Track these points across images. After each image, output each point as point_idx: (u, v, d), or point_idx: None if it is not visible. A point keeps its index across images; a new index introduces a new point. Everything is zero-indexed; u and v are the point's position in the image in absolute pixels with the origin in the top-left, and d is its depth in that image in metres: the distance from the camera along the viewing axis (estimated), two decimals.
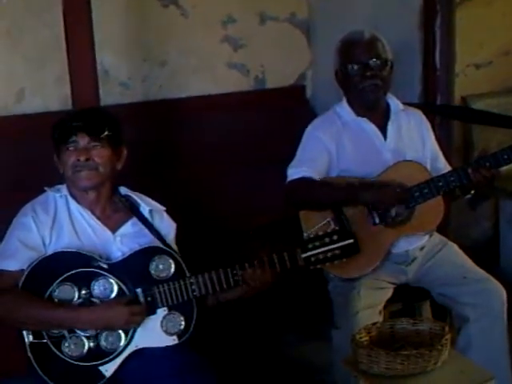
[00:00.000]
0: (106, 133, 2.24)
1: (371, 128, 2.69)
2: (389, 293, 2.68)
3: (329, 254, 2.25)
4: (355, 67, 2.63)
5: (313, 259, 2.24)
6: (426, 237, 2.73)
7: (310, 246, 2.24)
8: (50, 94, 3.34)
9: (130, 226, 2.30)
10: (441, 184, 2.57)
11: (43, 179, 2.32)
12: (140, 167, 3.17)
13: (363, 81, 2.62)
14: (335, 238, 2.25)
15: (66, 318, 2.08)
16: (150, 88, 3.61)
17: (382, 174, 2.62)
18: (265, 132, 3.62)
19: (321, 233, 2.26)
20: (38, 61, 3.32)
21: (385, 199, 2.54)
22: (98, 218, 2.27)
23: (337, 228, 2.28)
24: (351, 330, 2.32)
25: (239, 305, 2.35)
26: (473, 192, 2.67)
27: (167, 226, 2.37)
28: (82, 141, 2.22)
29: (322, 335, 2.76)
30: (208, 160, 3.50)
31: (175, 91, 3.65)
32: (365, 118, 2.69)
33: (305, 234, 2.52)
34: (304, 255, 2.24)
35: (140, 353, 2.17)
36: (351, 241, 2.25)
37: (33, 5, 3.28)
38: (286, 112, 3.81)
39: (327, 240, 2.24)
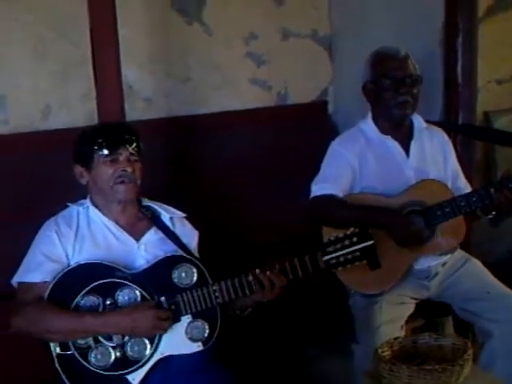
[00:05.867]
0: (142, 148, 2.32)
1: (395, 146, 2.71)
2: (411, 308, 2.68)
3: (349, 256, 2.24)
4: (389, 82, 2.63)
5: (333, 262, 2.24)
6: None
7: (331, 248, 2.25)
8: (75, 109, 3.37)
9: (154, 234, 2.33)
10: (463, 204, 2.57)
11: (68, 193, 2.36)
12: (163, 182, 3.20)
13: (396, 96, 2.62)
14: (355, 239, 2.24)
15: (94, 323, 2.10)
16: (173, 104, 3.63)
17: (405, 192, 2.63)
18: (287, 147, 3.63)
19: (341, 235, 2.25)
20: (63, 77, 3.36)
21: (402, 232, 2.54)
22: (123, 228, 2.30)
23: (356, 230, 2.26)
24: (372, 345, 2.32)
25: (261, 318, 2.36)
26: (494, 213, 2.62)
27: (189, 233, 2.40)
28: (125, 153, 2.27)
29: (343, 349, 2.76)
30: (230, 175, 3.51)
31: (198, 107, 3.66)
32: (389, 136, 2.71)
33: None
34: (325, 258, 2.24)
35: (166, 361, 2.18)
36: (371, 242, 2.24)
37: (59, 22, 3.31)
38: (308, 127, 3.82)
39: (347, 242, 2.24)
